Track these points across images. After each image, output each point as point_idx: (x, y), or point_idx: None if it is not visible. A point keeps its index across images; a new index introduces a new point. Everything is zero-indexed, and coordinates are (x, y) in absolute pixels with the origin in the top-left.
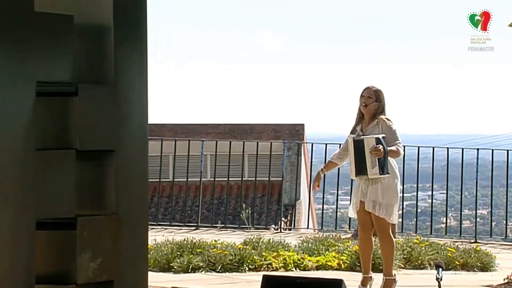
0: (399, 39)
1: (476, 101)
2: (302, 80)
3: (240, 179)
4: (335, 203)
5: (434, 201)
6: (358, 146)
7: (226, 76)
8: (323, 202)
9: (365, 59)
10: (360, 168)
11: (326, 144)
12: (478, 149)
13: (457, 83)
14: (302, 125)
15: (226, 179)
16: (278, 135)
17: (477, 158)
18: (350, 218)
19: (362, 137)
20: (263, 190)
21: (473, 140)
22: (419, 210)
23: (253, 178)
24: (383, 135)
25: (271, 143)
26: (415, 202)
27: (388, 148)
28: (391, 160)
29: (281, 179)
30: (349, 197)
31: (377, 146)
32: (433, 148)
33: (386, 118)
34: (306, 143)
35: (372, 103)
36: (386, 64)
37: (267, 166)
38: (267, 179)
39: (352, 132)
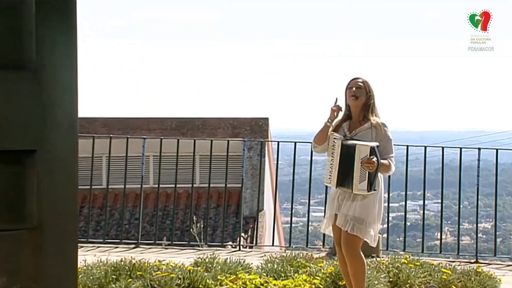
0: (382, 35)
1: (478, 94)
2: (265, 71)
3: (190, 185)
4: (306, 215)
5: (426, 212)
6: (348, 152)
7: (176, 63)
8: (291, 214)
9: (341, 52)
10: (344, 179)
11: (295, 142)
12: (479, 149)
13: (456, 77)
14: (266, 119)
15: (173, 185)
16: (237, 132)
17: (479, 160)
18: (324, 234)
19: (355, 142)
20: (219, 199)
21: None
22: (408, 224)
23: (206, 185)
24: (377, 144)
25: (228, 141)
26: (403, 213)
27: (382, 161)
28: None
29: (240, 185)
30: (323, 208)
31: (371, 157)
32: (425, 147)
33: (383, 123)
34: (272, 141)
35: (362, 95)
36: (371, 58)
37: (223, 169)
38: (223, 185)
39: (335, 130)
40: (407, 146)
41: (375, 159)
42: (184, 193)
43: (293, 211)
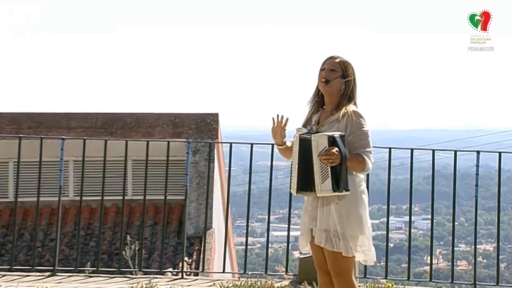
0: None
1: (476, 87)
2: (214, 59)
3: (120, 198)
4: (265, 234)
5: (413, 231)
6: (305, 147)
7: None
8: (247, 233)
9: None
10: (305, 182)
11: (251, 144)
12: (478, 152)
13: (452, 71)
14: (216, 115)
15: (99, 198)
16: (179, 131)
17: (477, 166)
18: (287, 258)
19: (312, 134)
20: (156, 214)
21: (471, 138)
22: (391, 245)
23: (141, 197)
24: (341, 133)
25: (168, 142)
26: (384, 232)
27: (348, 155)
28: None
29: (183, 197)
30: (285, 226)
31: (330, 148)
32: (412, 150)
33: (355, 112)
34: (223, 142)
35: (337, 79)
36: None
37: (162, 177)
38: (162, 197)
39: (305, 125)
40: (389, 148)
41: (336, 149)
42: (113, 207)
43: (248, 230)
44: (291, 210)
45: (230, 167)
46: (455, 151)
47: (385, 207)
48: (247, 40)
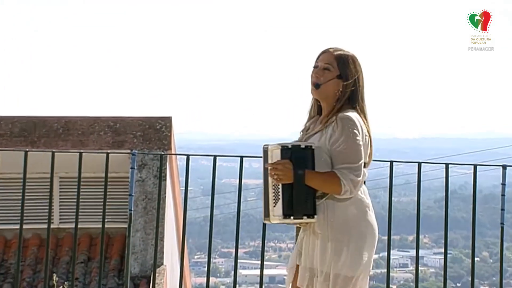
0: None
1: (500, 89)
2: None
3: (45, 226)
4: (232, 273)
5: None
6: (265, 161)
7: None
8: (208, 272)
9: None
10: (264, 206)
11: (214, 156)
12: (505, 167)
13: (465, 73)
14: (168, 119)
15: (17, 227)
16: (121, 140)
17: (503, 185)
18: None
19: (269, 145)
20: (91, 247)
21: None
22: (393, 287)
23: (71, 225)
24: (310, 143)
25: (107, 154)
26: (385, 270)
27: (308, 172)
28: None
29: (126, 226)
30: (258, 262)
31: (279, 161)
32: (419, 164)
33: (344, 117)
34: (177, 154)
35: (331, 81)
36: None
37: (99, 200)
38: (99, 226)
39: (303, 130)
40: (391, 162)
41: (286, 163)
42: (34, 238)
43: (210, 268)
44: (265, 241)
45: (186, 186)
46: (475, 166)
47: (386, 238)
48: (206, 35)
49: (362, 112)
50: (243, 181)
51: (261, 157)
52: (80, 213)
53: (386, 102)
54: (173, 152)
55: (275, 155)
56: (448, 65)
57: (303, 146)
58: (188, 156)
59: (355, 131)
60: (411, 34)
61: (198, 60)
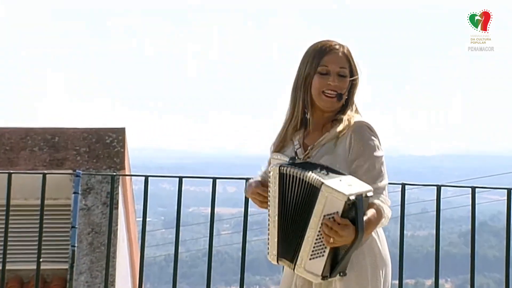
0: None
1: None
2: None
3: None
4: None
5: None
6: (298, 194)
7: None
8: None
9: None
10: (287, 245)
11: (180, 178)
12: None
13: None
14: (121, 131)
15: None
16: (62, 157)
17: None
18: None
19: (316, 177)
20: None
21: None
22: None
23: None
24: (367, 188)
25: (43, 175)
26: None
27: (366, 218)
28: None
29: (66, 266)
30: None
31: (342, 221)
32: (439, 188)
33: (360, 124)
34: (132, 176)
35: (345, 85)
36: None
37: (33, 233)
38: (33, 267)
39: (282, 146)
40: (402, 185)
41: (349, 226)
42: None
43: None
44: (244, 287)
45: (145, 217)
46: (509, 190)
47: (396, 282)
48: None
49: (358, 113)
50: (216, 209)
51: (238, 178)
52: (8, 251)
53: (397, 112)
54: (127, 173)
55: (330, 202)
56: (469, 68)
57: (365, 193)
58: (146, 177)
59: (377, 142)
60: (410, 36)
61: (157, 62)
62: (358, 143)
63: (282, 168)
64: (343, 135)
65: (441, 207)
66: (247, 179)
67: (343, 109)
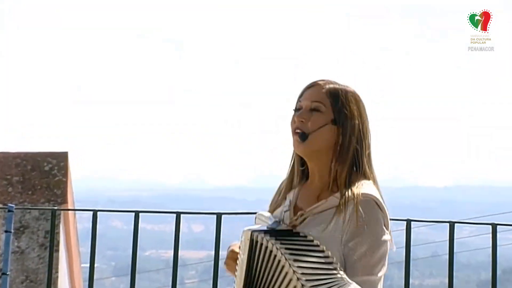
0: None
1: None
2: None
3: None
4: None
5: None
6: (254, 254)
7: None
8: None
9: None
10: None
11: (136, 212)
12: None
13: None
14: (63, 156)
15: None
16: None
17: None
18: None
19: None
20: None
21: None
22: None
23: None
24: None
25: None
26: None
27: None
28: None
29: None
30: None
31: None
32: (452, 225)
33: (367, 198)
34: (77, 210)
35: (323, 128)
36: None
37: None
38: None
39: (274, 204)
40: (408, 221)
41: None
42: None
43: None
44: None
45: (92, 261)
46: None
47: None
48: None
49: (374, 181)
50: (179, 253)
51: (206, 213)
52: None
53: (403, 136)
54: (70, 207)
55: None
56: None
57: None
58: (95, 212)
59: (384, 226)
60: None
61: (93, 79)
62: (359, 220)
63: (255, 234)
64: (342, 207)
65: (454, 250)
66: (218, 215)
67: (335, 166)
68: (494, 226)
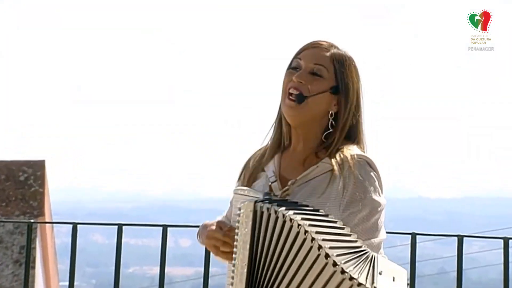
0: None
1: None
2: None
3: None
4: None
5: None
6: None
7: None
8: None
9: None
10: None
11: (119, 225)
12: None
13: None
14: (40, 164)
15: None
16: None
17: None
18: None
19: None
20: None
21: None
22: None
23: None
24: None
25: None
26: None
27: None
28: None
29: None
30: None
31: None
32: (461, 239)
33: (362, 159)
34: (56, 224)
35: (321, 95)
36: None
37: None
38: None
39: (252, 177)
40: (413, 235)
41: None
42: None
43: None
44: None
45: (72, 279)
46: None
47: None
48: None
49: (365, 150)
50: (166, 269)
51: (194, 227)
52: None
53: (404, 139)
54: (48, 220)
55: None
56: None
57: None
58: (74, 225)
59: (379, 185)
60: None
61: (70, 81)
62: (355, 184)
63: (259, 205)
64: (339, 169)
65: (463, 266)
66: None
67: (333, 135)
68: (506, 241)
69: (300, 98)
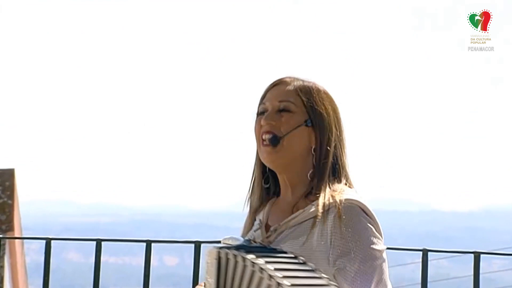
0: None
1: None
2: None
3: None
4: None
5: None
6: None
7: None
8: None
9: None
10: None
11: (98, 241)
12: None
13: None
14: (10, 173)
15: None
16: None
17: None
18: None
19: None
20: None
21: None
22: None
23: None
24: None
25: None
26: None
27: None
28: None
29: None
30: None
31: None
32: (477, 256)
33: (351, 204)
34: (27, 239)
35: (297, 130)
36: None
37: None
38: None
39: (245, 227)
40: (424, 251)
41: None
42: None
43: None
44: None
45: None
46: None
47: None
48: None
49: (351, 186)
50: None
51: (182, 242)
52: None
53: (416, 152)
54: (17, 235)
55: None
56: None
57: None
58: (48, 241)
59: (375, 232)
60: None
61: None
62: (345, 232)
63: (222, 251)
64: (323, 216)
65: (481, 287)
66: (196, 244)
67: (321, 181)
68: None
69: (275, 140)
